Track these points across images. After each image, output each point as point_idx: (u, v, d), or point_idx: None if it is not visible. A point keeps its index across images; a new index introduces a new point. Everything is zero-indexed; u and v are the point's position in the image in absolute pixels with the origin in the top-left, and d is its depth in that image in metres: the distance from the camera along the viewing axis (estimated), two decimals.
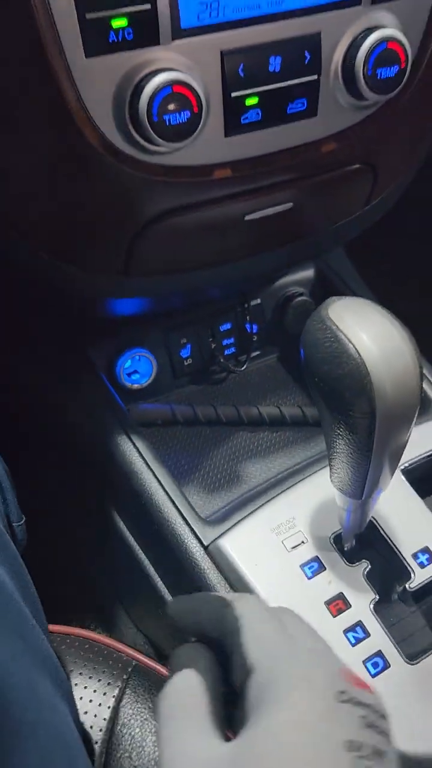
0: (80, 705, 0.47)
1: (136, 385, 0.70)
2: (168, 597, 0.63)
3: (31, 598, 0.43)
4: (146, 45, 0.43)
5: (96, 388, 0.68)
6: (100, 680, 0.48)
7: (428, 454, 0.65)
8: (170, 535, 0.59)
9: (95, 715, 0.46)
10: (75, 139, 0.45)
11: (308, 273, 0.78)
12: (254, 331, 0.76)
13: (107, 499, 0.68)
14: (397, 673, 0.52)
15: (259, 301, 0.76)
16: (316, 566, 0.56)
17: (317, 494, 0.60)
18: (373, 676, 0.52)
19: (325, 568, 0.56)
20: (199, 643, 0.34)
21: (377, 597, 0.55)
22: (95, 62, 0.42)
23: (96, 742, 0.45)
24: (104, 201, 0.50)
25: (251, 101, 0.48)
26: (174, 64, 0.44)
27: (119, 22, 0.42)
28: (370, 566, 0.57)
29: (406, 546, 0.58)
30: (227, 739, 0.29)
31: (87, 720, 0.46)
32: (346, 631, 0.53)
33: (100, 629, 0.76)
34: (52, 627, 0.51)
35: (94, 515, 0.70)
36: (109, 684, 0.47)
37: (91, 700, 0.47)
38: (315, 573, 0.56)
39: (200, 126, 0.45)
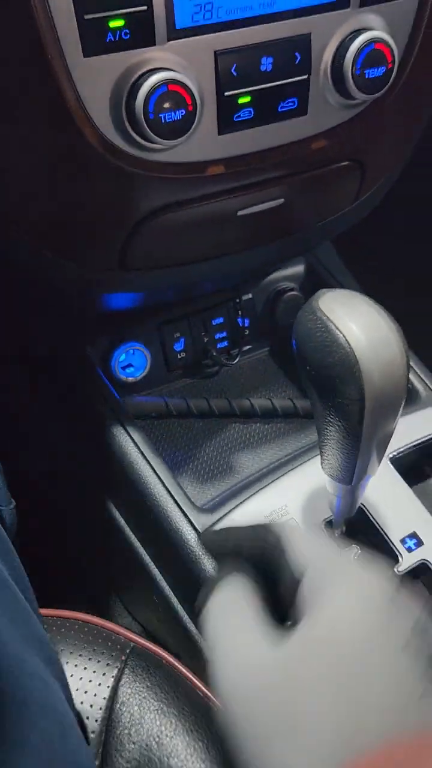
0: (79, 685, 0.48)
1: (131, 378, 0.72)
2: (163, 584, 0.64)
3: (21, 578, 0.43)
4: (142, 45, 0.45)
5: (92, 381, 0.70)
6: (99, 661, 0.49)
7: (416, 443, 0.67)
8: (166, 522, 0.61)
9: (95, 695, 0.48)
10: (74, 136, 0.46)
11: (299, 268, 0.79)
12: (246, 325, 0.77)
13: (103, 489, 0.69)
14: None
15: (250, 296, 0.77)
16: None
17: (308, 482, 0.62)
18: None
19: None
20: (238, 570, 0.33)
21: None
22: (93, 62, 0.44)
23: (96, 720, 0.47)
24: (102, 198, 0.51)
25: (244, 100, 0.49)
26: (169, 64, 0.45)
27: (116, 23, 0.43)
28: (360, 551, 0.59)
29: (395, 532, 0.60)
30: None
31: (87, 699, 0.48)
32: None
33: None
34: (51, 611, 0.52)
35: (90, 505, 0.71)
36: (108, 665, 0.49)
37: (90, 680, 0.48)
38: None
39: (195, 124, 0.47)
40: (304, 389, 0.75)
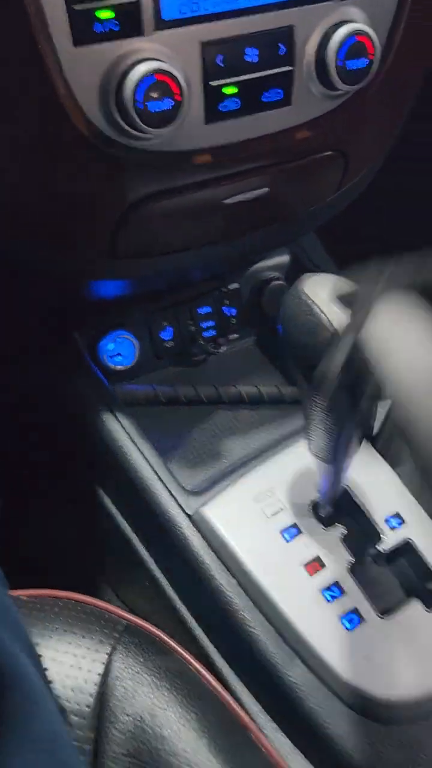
0: (73, 661, 0.49)
1: (119, 367, 0.73)
2: (153, 567, 0.65)
3: None
4: (130, 35, 0.46)
5: (81, 369, 0.71)
6: (92, 638, 0.50)
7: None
8: (155, 505, 0.62)
9: (89, 670, 0.49)
10: (64, 125, 0.47)
11: (284, 258, 0.81)
12: (233, 314, 0.78)
13: (93, 476, 0.70)
14: (371, 627, 0.56)
15: (237, 285, 0.79)
16: (294, 531, 0.60)
17: (295, 465, 0.63)
18: (349, 630, 0.55)
19: (303, 533, 0.59)
20: None
21: (353, 559, 0.59)
22: (83, 51, 0.45)
23: (91, 695, 0.48)
24: (91, 186, 0.52)
25: (229, 90, 0.50)
26: (157, 54, 0.46)
27: (105, 14, 0.44)
28: (345, 531, 0.60)
29: (379, 512, 0.62)
30: None
31: (80, 675, 0.49)
32: (323, 590, 0.57)
33: None
34: (44, 591, 0.53)
35: (80, 492, 0.72)
36: (101, 642, 0.50)
37: (84, 657, 0.49)
38: (293, 537, 0.59)
39: (182, 113, 0.48)
40: (290, 376, 0.76)
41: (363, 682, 0.54)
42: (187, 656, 0.52)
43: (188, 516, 0.61)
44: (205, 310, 0.77)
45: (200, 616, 0.61)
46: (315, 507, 0.61)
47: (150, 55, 0.46)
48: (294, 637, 0.55)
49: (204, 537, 0.60)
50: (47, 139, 0.49)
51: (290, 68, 0.52)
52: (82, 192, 0.52)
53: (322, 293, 0.46)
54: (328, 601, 0.56)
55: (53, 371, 0.74)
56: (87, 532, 0.74)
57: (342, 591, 0.57)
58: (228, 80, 0.50)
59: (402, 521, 0.62)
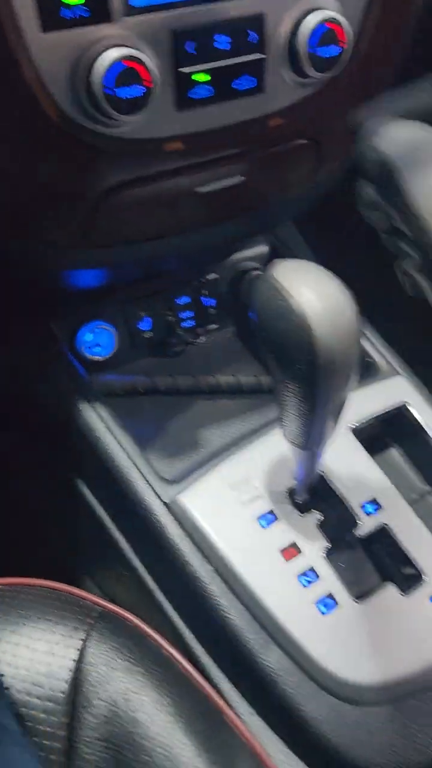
0: (47, 648, 0.49)
1: (98, 357, 0.73)
2: (132, 557, 0.65)
3: None
4: (99, 22, 0.46)
5: (58, 359, 0.71)
6: (66, 625, 0.50)
7: (376, 415, 0.69)
8: (132, 494, 0.62)
9: (63, 656, 0.49)
10: (34, 112, 0.47)
11: (263, 249, 0.81)
12: (211, 304, 0.79)
13: (70, 466, 0.70)
14: (346, 611, 0.56)
15: (215, 275, 0.79)
16: (271, 518, 0.60)
17: (272, 453, 0.64)
18: (324, 614, 0.56)
19: (280, 519, 0.60)
20: None
21: (329, 545, 0.59)
22: (51, 37, 0.45)
23: (66, 681, 0.48)
24: (63, 173, 0.52)
25: (201, 77, 0.50)
26: (125, 41, 0.46)
27: (74, 0, 0.44)
28: (322, 517, 0.61)
29: (355, 498, 0.62)
30: None
31: (54, 661, 0.49)
32: (299, 575, 0.57)
33: None
34: (16, 579, 0.53)
35: (58, 482, 0.72)
36: (75, 628, 0.50)
37: (57, 643, 0.49)
38: (270, 524, 0.59)
39: (153, 100, 0.48)
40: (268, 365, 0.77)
41: (338, 666, 0.54)
42: (161, 641, 0.52)
43: (165, 504, 0.61)
44: (183, 300, 0.77)
45: (177, 603, 0.61)
46: (291, 493, 0.61)
47: (119, 42, 0.46)
48: (270, 622, 0.56)
49: (181, 525, 0.60)
50: (18, 126, 0.49)
51: (262, 56, 0.52)
52: (54, 179, 0.52)
53: (293, 278, 0.46)
54: (304, 586, 0.57)
55: (31, 362, 0.73)
56: (65, 522, 0.74)
57: (318, 576, 0.57)
58: (199, 67, 0.50)
59: (378, 507, 0.62)
